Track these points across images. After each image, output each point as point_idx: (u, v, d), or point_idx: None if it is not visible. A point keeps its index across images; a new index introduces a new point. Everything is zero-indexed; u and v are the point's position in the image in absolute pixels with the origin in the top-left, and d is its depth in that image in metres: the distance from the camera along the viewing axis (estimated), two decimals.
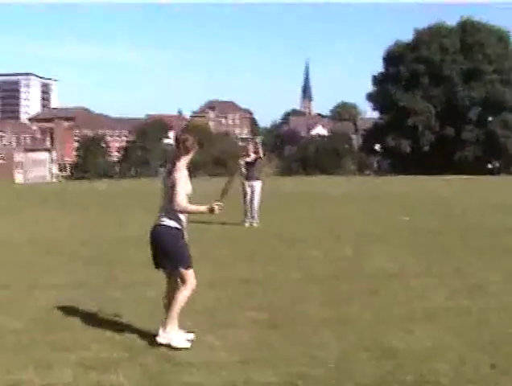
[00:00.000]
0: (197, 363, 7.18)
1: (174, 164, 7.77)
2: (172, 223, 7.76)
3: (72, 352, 7.54)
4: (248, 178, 19.49)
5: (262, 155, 19.74)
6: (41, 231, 18.62)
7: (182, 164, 7.77)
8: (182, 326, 8.15)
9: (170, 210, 7.71)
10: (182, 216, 7.80)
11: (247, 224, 19.31)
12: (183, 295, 7.83)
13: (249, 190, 19.52)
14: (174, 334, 7.81)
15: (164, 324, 7.85)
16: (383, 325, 8.63)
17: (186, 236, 7.93)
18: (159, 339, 7.76)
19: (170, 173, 7.73)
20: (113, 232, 18.11)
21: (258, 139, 20.42)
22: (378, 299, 10.09)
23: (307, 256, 14.01)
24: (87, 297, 10.21)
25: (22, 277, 12.03)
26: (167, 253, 7.80)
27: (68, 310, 9.42)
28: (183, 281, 7.84)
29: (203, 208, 7.77)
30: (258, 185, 19.68)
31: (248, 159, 19.48)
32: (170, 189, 7.67)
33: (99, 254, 14.34)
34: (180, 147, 7.84)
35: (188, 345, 7.76)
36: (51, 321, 8.94)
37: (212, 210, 7.71)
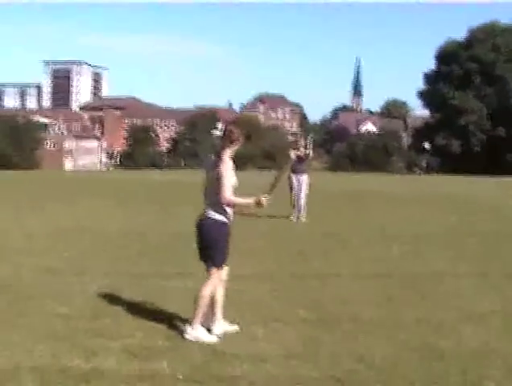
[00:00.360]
0: (242, 355, 7.16)
1: (219, 156, 7.69)
2: (218, 217, 7.70)
3: (116, 339, 7.58)
4: (295, 171, 19.46)
5: (311, 152, 19.72)
6: (93, 220, 18.78)
7: (227, 156, 7.70)
8: (228, 317, 8.17)
9: (216, 203, 7.64)
10: (228, 209, 7.74)
11: (294, 219, 19.27)
12: (206, 292, 7.80)
13: (296, 183, 19.50)
14: (201, 330, 7.80)
15: (191, 320, 7.85)
16: (432, 326, 8.52)
17: (230, 229, 7.88)
18: (186, 336, 7.74)
19: (215, 165, 7.65)
20: (162, 223, 18.20)
21: (310, 137, 20.40)
22: (427, 300, 9.96)
23: (357, 254, 13.91)
24: (135, 286, 10.27)
25: (73, 264, 12.15)
26: (208, 248, 7.76)
27: (115, 298, 9.48)
28: (209, 278, 7.81)
29: (250, 201, 7.69)
30: (305, 179, 19.65)
31: (298, 153, 19.44)
32: (216, 181, 7.59)
33: (149, 246, 14.42)
34: (226, 139, 7.76)
35: (216, 339, 7.75)
36: (97, 308, 9.00)
37: (259, 203, 7.63)
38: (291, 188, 19.51)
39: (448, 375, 6.78)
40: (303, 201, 19.49)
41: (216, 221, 7.70)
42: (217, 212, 7.69)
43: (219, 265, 7.79)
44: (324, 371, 6.75)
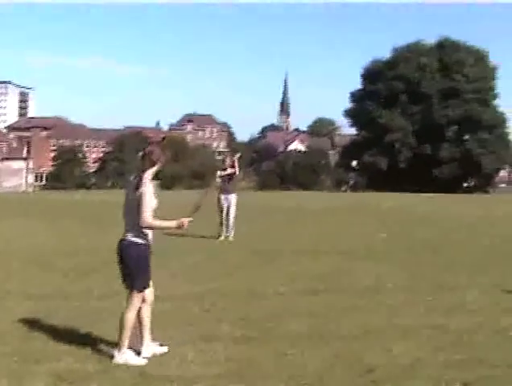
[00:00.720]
0: (172, 376, 7.08)
1: (140, 177, 7.57)
2: (137, 239, 7.58)
3: (43, 364, 7.44)
4: (224, 191, 19.44)
5: (237, 171, 19.69)
6: (16, 241, 18.45)
7: (147, 178, 7.56)
8: (157, 338, 8.08)
9: (135, 225, 7.51)
10: (148, 231, 7.63)
11: (222, 237, 19.20)
12: (129, 315, 7.69)
13: (225, 203, 19.47)
14: (128, 354, 7.69)
15: (118, 344, 7.73)
16: (361, 341, 8.55)
17: (151, 251, 7.76)
18: (116, 360, 7.61)
19: (136, 187, 7.52)
20: (89, 242, 17.99)
21: (237, 155, 20.37)
22: (356, 315, 10.01)
23: (285, 270, 13.93)
24: (63, 308, 10.10)
25: None
26: (127, 271, 7.63)
27: (42, 321, 9.29)
28: (131, 301, 7.69)
29: (171, 223, 7.61)
30: (233, 198, 19.63)
31: (224, 173, 19.43)
32: (136, 204, 7.47)
33: (75, 264, 14.23)
34: (146, 160, 7.64)
35: (145, 361, 7.64)
36: (23, 332, 8.81)
37: (180, 226, 7.56)
38: (220, 208, 19.44)
39: None
40: (231, 220, 19.44)
41: (135, 244, 7.58)
42: (137, 235, 7.57)
43: (139, 288, 7.66)
44: None
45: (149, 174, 7.61)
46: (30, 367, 7.30)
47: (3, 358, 7.63)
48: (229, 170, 19.55)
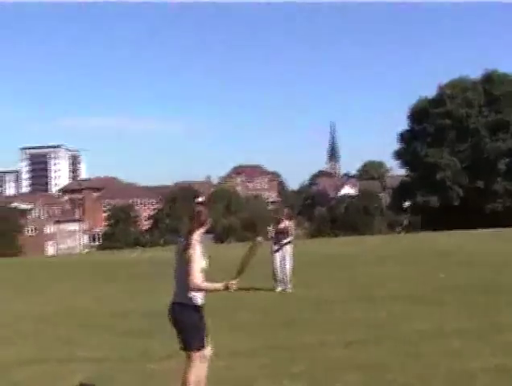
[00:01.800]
0: None
1: (188, 239, 7.58)
2: (188, 301, 7.60)
3: None
4: (278, 243, 19.34)
5: (292, 236, 19.53)
6: (74, 303, 18.57)
7: (196, 238, 7.59)
8: None
9: (185, 286, 7.54)
10: (198, 292, 7.64)
11: (279, 289, 19.03)
12: (190, 377, 7.64)
13: (278, 256, 19.29)
14: None
15: None
16: None
17: (202, 310, 7.74)
18: None
19: (184, 249, 7.54)
20: (146, 303, 17.99)
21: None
22: (418, 362, 9.86)
23: (343, 319, 13.81)
24: (122, 371, 10.11)
25: (57, 350, 11.98)
26: (182, 333, 7.63)
27: (105, 385, 9.31)
28: (190, 362, 7.65)
29: (218, 286, 7.57)
30: (288, 249, 19.40)
31: (279, 226, 19.27)
32: (185, 265, 7.49)
33: (131, 326, 14.26)
34: (195, 220, 7.68)
35: None
36: None
37: (227, 288, 7.54)
38: (274, 260, 19.24)
39: None
40: (288, 272, 19.19)
41: (186, 306, 7.60)
42: (187, 296, 7.58)
43: (196, 349, 7.63)
44: None
45: (197, 235, 7.64)
46: None
47: None
48: (286, 223, 19.41)
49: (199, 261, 7.48)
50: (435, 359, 10.00)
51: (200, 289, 7.55)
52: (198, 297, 7.62)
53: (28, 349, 12.26)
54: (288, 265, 19.20)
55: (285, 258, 19.18)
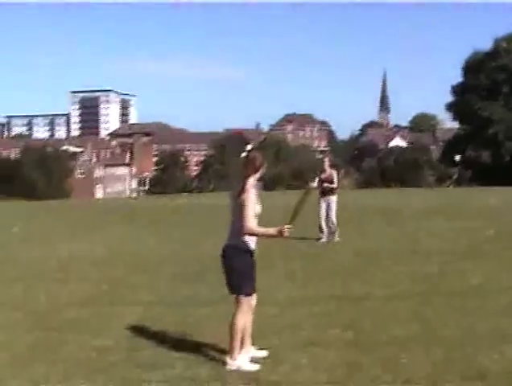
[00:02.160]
0: (284, 381, 7.08)
1: (243, 184, 7.62)
2: (241, 245, 7.65)
3: (157, 370, 7.54)
4: (323, 193, 19.31)
5: (336, 184, 19.41)
6: (121, 247, 18.77)
7: (250, 184, 7.63)
8: (268, 343, 8.09)
9: (239, 231, 7.60)
10: (251, 237, 7.68)
11: (324, 239, 19.04)
12: (239, 321, 7.70)
13: (324, 204, 19.31)
14: (242, 359, 7.71)
15: (229, 351, 7.76)
16: (473, 344, 8.37)
17: (254, 256, 7.79)
18: (228, 366, 7.66)
19: (239, 194, 7.58)
20: (194, 248, 18.12)
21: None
22: (467, 317, 9.79)
23: (391, 272, 13.73)
24: (170, 314, 10.21)
25: (106, 293, 12.14)
26: (232, 276, 7.68)
27: (152, 328, 9.44)
28: (239, 306, 7.71)
29: (272, 231, 7.60)
30: (333, 199, 19.42)
31: (323, 175, 19.20)
32: (239, 210, 7.55)
33: (180, 271, 14.37)
34: (249, 166, 7.71)
35: (258, 367, 7.64)
36: (135, 338, 8.97)
37: (281, 233, 7.54)
38: (320, 210, 19.28)
39: None
40: (334, 221, 19.23)
41: (239, 250, 7.64)
42: (240, 241, 7.63)
43: (246, 293, 7.69)
44: None
45: (252, 180, 7.66)
46: (144, 375, 7.40)
47: (116, 366, 7.77)
48: (328, 171, 19.34)
49: (253, 206, 7.50)
50: (483, 315, 9.92)
51: (253, 233, 7.58)
52: (251, 242, 7.66)
53: (80, 290, 12.45)
54: (333, 215, 19.23)
55: (330, 207, 19.17)
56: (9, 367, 7.85)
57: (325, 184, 19.08)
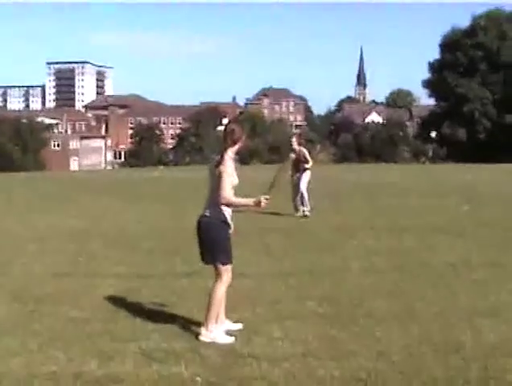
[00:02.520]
0: (260, 354, 7.10)
1: (221, 156, 7.65)
2: (217, 216, 7.66)
3: (132, 342, 7.55)
4: (295, 170, 19.20)
5: (309, 163, 19.26)
6: (98, 220, 18.71)
7: (228, 156, 7.66)
8: (245, 316, 8.13)
9: (216, 202, 7.62)
10: (227, 208, 7.70)
11: (299, 213, 19.03)
12: (218, 292, 7.74)
13: (296, 180, 19.22)
14: (217, 332, 7.74)
15: (205, 322, 7.79)
16: (447, 319, 8.47)
17: (231, 229, 7.82)
18: (202, 338, 7.68)
19: (217, 165, 7.61)
20: (171, 221, 18.10)
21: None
22: (442, 292, 9.91)
23: (367, 247, 13.83)
24: (147, 287, 10.22)
25: (82, 266, 12.11)
26: (208, 246, 7.72)
27: (128, 300, 9.44)
28: (218, 277, 7.74)
29: (249, 201, 7.63)
30: (304, 175, 19.22)
31: (294, 155, 18.97)
32: (216, 181, 7.57)
33: (157, 244, 14.35)
34: (228, 138, 7.72)
35: (233, 339, 7.68)
36: (111, 310, 8.97)
37: (258, 203, 7.57)
38: (293, 185, 19.25)
39: (469, 369, 6.71)
40: (305, 195, 19.06)
41: (214, 220, 7.66)
42: (216, 211, 7.65)
43: (224, 261, 7.71)
44: (345, 370, 6.68)
45: (230, 152, 7.69)
46: (119, 347, 7.41)
47: (92, 337, 7.77)
48: (297, 149, 19.10)
49: (230, 177, 7.54)
50: (458, 290, 10.02)
51: (230, 204, 7.62)
52: (227, 213, 7.68)
53: (56, 262, 12.41)
54: (303, 189, 19.03)
55: (300, 182, 19.08)
56: None
57: (296, 162, 18.91)
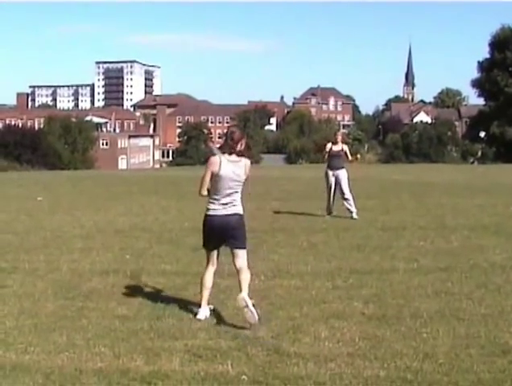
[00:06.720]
0: (306, 354, 7.08)
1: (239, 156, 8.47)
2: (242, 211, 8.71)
3: (179, 340, 7.58)
4: (332, 167, 18.75)
5: (349, 157, 18.88)
6: (145, 217, 18.80)
7: (225, 157, 8.46)
8: (292, 315, 8.14)
9: (239, 199, 8.68)
10: (216, 202, 8.91)
11: (329, 215, 18.34)
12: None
13: (332, 179, 18.65)
14: (202, 311, 8.59)
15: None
16: (495, 320, 8.36)
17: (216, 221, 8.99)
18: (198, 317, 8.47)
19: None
20: None
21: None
22: (490, 293, 9.78)
23: (415, 247, 13.72)
24: (193, 284, 10.22)
25: (130, 263, 12.17)
26: (243, 236, 8.75)
27: (175, 298, 9.49)
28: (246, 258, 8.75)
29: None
30: (342, 174, 18.74)
31: (335, 148, 18.79)
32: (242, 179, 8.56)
33: None
34: (227, 140, 8.46)
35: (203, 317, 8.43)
36: (157, 308, 9.00)
37: None
38: (329, 185, 18.68)
39: None
40: (348, 196, 18.46)
41: (243, 215, 8.78)
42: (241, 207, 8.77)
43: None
44: (391, 371, 6.64)
45: (228, 153, 8.48)
46: (166, 344, 7.44)
47: (140, 335, 7.82)
48: (340, 146, 18.82)
49: (208, 174, 8.77)
50: (506, 291, 9.89)
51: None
52: (212, 206, 9.02)
53: (103, 260, 12.50)
54: (345, 189, 18.54)
55: (339, 180, 18.58)
56: (33, 334, 7.89)
57: (335, 159, 18.68)
